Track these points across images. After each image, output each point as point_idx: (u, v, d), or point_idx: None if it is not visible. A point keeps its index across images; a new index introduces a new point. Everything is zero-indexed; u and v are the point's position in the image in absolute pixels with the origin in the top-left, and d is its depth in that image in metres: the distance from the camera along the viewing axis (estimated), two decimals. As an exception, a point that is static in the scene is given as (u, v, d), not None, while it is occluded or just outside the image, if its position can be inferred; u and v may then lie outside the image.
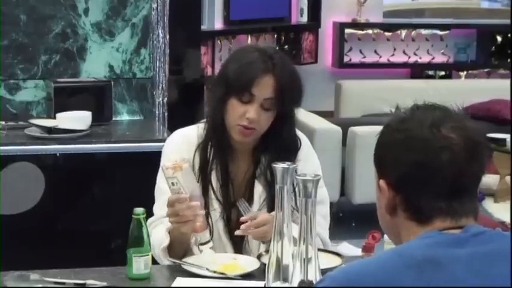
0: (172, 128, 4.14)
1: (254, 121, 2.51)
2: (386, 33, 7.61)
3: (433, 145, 1.56)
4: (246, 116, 2.51)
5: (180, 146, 2.64)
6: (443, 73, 7.82)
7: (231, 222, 2.62)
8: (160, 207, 2.60)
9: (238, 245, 2.63)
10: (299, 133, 2.69)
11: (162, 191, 2.57)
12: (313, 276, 1.97)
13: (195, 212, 2.42)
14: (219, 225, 2.61)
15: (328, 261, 2.37)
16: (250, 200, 2.62)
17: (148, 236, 2.39)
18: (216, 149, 2.61)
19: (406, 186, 1.59)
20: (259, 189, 2.62)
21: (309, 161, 2.66)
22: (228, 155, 2.62)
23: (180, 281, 2.36)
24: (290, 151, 2.59)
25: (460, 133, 1.58)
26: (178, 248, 2.53)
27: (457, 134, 1.57)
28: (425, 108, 1.63)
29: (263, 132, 2.57)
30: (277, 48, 6.66)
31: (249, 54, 2.56)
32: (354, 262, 1.60)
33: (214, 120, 2.58)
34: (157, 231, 2.56)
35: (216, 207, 2.61)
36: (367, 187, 5.52)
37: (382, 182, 1.62)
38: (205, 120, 2.65)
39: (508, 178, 5.35)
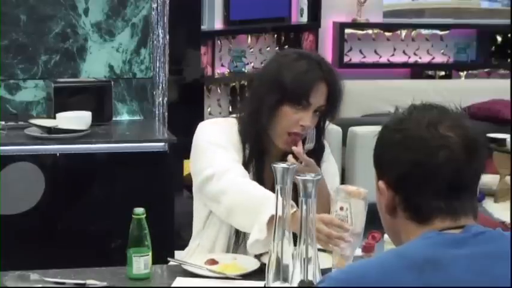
0: (172, 128, 4.15)
1: (308, 128, 2.57)
2: (387, 33, 7.60)
3: (431, 144, 1.57)
4: (301, 123, 2.55)
5: (231, 132, 2.63)
6: (443, 73, 7.82)
7: None
8: (227, 158, 2.55)
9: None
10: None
11: (221, 145, 2.56)
12: (313, 276, 1.97)
13: (343, 246, 2.27)
14: None
15: (328, 261, 2.37)
16: None
17: (148, 235, 2.38)
18: (253, 153, 2.62)
19: (405, 186, 1.59)
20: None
21: (331, 161, 2.74)
22: (263, 158, 2.64)
23: (180, 281, 2.36)
24: (319, 154, 2.65)
25: (458, 132, 1.58)
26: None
27: (455, 133, 1.57)
28: (422, 108, 1.63)
29: None
30: (278, 48, 6.66)
31: (298, 62, 2.58)
32: (354, 263, 1.60)
33: (259, 126, 2.58)
34: (259, 192, 2.46)
35: None
36: (367, 187, 5.52)
37: (381, 183, 1.63)
38: (235, 117, 2.66)
39: (508, 178, 5.34)
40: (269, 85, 2.59)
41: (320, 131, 2.68)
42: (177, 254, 2.81)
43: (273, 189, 2.51)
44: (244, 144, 2.63)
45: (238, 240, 2.61)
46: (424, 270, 1.47)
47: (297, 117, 2.55)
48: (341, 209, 2.26)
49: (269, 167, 2.59)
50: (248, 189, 2.48)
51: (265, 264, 2.15)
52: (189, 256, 2.64)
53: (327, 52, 7.46)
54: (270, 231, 2.34)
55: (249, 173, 2.60)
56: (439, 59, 7.74)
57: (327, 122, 2.69)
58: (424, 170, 1.56)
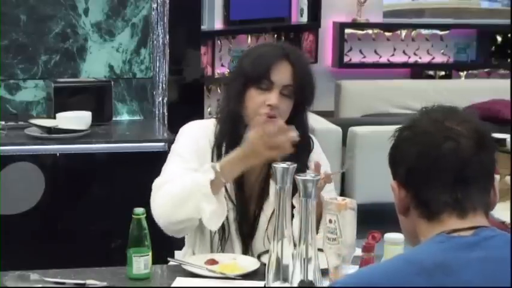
0: (172, 128, 4.15)
1: (275, 107, 2.53)
2: (387, 33, 7.61)
3: (436, 136, 1.58)
4: (267, 103, 2.53)
5: (206, 135, 2.64)
6: (443, 73, 7.82)
7: (243, 222, 2.61)
8: (180, 166, 2.57)
9: (247, 245, 2.62)
10: (311, 135, 2.72)
11: (184, 159, 2.57)
12: (313, 276, 1.97)
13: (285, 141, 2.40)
14: (231, 225, 2.60)
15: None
16: (264, 199, 2.62)
17: (148, 235, 2.38)
18: (231, 147, 2.60)
19: (413, 181, 1.61)
20: (274, 189, 2.60)
21: (323, 161, 2.68)
22: None
23: (180, 281, 2.36)
24: (303, 150, 2.60)
25: (465, 125, 1.59)
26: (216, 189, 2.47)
27: (462, 126, 1.59)
28: (433, 108, 1.66)
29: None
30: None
31: (261, 48, 2.68)
32: (363, 268, 1.59)
33: (232, 115, 2.59)
34: (187, 178, 2.49)
35: (230, 207, 2.59)
36: (367, 187, 5.51)
37: (393, 183, 1.65)
38: (216, 117, 2.67)
39: (508, 178, 5.34)
40: (234, 74, 2.66)
41: (300, 120, 2.61)
42: (177, 254, 2.81)
43: (256, 184, 2.58)
44: (220, 146, 2.61)
45: (224, 235, 2.60)
46: (434, 275, 1.47)
47: (262, 98, 2.54)
48: (330, 221, 2.27)
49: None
50: (174, 185, 2.49)
51: (265, 264, 2.15)
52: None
53: (327, 52, 7.47)
54: (217, 198, 2.43)
55: None
56: (439, 59, 7.74)
57: (307, 114, 2.65)
58: (429, 161, 1.58)
